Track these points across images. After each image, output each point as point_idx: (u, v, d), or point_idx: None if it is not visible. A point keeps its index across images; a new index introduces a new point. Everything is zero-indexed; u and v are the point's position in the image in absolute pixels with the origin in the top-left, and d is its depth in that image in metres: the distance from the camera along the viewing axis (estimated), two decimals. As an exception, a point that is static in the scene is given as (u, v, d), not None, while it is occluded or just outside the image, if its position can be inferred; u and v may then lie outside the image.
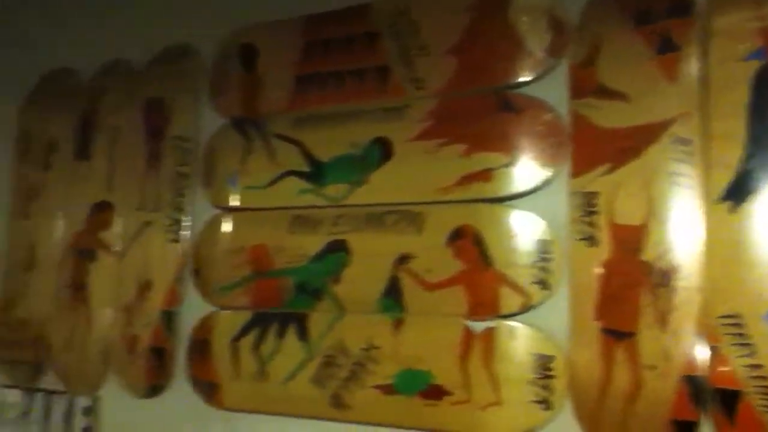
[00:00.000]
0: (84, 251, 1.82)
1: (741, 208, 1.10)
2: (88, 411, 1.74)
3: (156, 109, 1.78)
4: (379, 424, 1.37)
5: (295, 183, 1.55)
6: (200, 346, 1.60)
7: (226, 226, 1.63)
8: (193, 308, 1.64)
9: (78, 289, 1.81)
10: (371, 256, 1.44)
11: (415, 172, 1.42)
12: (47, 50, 2.04)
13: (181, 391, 1.62)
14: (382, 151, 1.47)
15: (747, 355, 1.06)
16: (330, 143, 1.53)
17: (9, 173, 2.01)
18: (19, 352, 1.89)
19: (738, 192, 1.11)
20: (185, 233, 1.68)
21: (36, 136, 2.00)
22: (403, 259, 1.40)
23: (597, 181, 1.24)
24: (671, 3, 1.21)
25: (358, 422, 1.39)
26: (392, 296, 1.40)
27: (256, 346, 1.52)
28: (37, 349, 1.86)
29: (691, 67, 1.18)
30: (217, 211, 1.65)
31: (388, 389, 1.36)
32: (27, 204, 1.97)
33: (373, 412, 1.37)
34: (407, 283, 1.39)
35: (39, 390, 1.83)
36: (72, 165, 1.90)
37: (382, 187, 1.45)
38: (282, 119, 1.60)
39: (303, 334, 1.48)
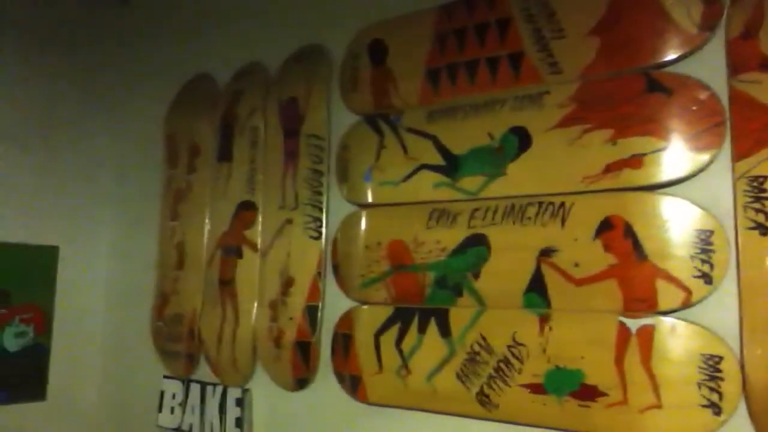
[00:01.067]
0: (231, 249, 1.90)
1: None
2: (240, 402, 1.82)
3: (291, 109, 1.83)
4: (530, 425, 1.33)
5: (430, 177, 1.54)
6: (343, 341, 1.62)
7: (363, 222, 1.64)
8: (334, 303, 1.67)
9: (226, 285, 1.90)
10: (512, 250, 1.39)
11: (557, 162, 1.36)
12: (187, 58, 2.15)
13: (326, 384, 1.65)
14: (520, 140, 1.42)
15: None
16: (464, 135, 1.50)
17: (159, 177, 2.14)
18: (175, 345, 2.02)
19: None
20: (324, 230, 1.71)
21: (180, 140, 2.11)
22: (547, 253, 1.34)
23: (765, 163, 1.12)
24: None
25: (507, 421, 1.35)
26: (536, 291, 1.35)
27: (398, 341, 1.52)
28: (191, 342, 1.97)
29: None
30: (354, 208, 1.67)
31: (537, 388, 1.31)
32: (175, 206, 2.09)
33: (522, 411, 1.33)
34: (552, 278, 1.33)
35: (195, 381, 1.94)
36: (215, 167, 2.00)
37: (521, 178, 1.41)
38: (414, 113, 1.59)
39: (445, 329, 1.46)
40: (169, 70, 2.19)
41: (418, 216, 1.54)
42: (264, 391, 1.80)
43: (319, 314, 1.69)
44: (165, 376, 2.01)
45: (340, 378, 1.62)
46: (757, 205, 1.12)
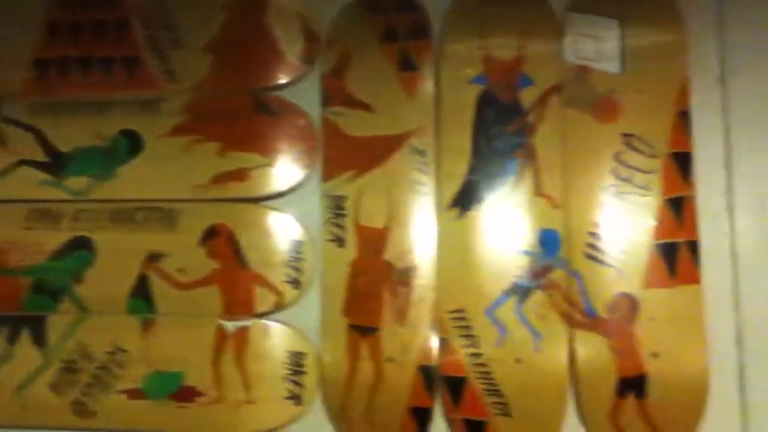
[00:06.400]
0: None
1: (466, 215, 1.26)
2: None
3: None
4: (128, 430, 1.33)
5: (31, 173, 1.42)
6: None
7: (-55, 220, 1.44)
8: None
9: None
10: (118, 254, 1.37)
11: (169, 169, 1.38)
12: None
13: None
14: (131, 144, 1.40)
15: (470, 345, 1.22)
16: (73, 133, 1.42)
17: None
18: None
19: (464, 200, 1.26)
20: None
21: None
22: (154, 258, 1.36)
23: (345, 185, 1.32)
24: (412, 25, 1.33)
25: (105, 429, 1.33)
26: (141, 296, 1.35)
27: (-20, 354, 1.38)
28: None
29: (427, 86, 1.31)
30: (-65, 203, 1.46)
31: (135, 393, 1.32)
32: None
33: (121, 417, 1.32)
34: (157, 283, 1.35)
35: None
36: None
37: (132, 182, 1.39)
38: (17, 104, 1.45)
39: (39, 338, 1.37)
40: None
41: (15, 215, 1.41)
42: None
43: None
44: None
45: None
46: (337, 221, 1.31)
